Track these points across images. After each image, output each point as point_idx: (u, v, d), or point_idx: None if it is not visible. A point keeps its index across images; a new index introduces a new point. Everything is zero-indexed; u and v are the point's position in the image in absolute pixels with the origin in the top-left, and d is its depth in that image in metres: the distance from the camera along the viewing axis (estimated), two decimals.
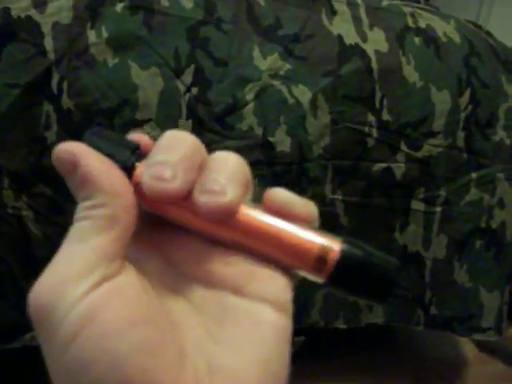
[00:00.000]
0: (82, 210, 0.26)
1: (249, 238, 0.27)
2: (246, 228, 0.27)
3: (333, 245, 0.27)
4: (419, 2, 1.26)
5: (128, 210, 0.26)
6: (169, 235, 0.29)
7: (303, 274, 0.28)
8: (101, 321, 0.23)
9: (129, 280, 0.25)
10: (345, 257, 0.27)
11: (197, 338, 0.25)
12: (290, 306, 0.27)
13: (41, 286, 0.24)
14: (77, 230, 0.25)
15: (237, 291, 0.26)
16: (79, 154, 0.27)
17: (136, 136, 0.29)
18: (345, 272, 0.27)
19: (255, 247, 0.27)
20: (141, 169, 0.27)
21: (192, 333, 0.25)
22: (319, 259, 0.27)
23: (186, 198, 0.26)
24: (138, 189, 0.26)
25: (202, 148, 0.28)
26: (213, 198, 0.25)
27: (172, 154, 0.26)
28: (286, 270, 0.28)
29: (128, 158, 0.27)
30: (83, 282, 0.23)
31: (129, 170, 0.27)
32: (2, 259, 0.85)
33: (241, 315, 0.26)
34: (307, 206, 0.29)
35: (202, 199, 0.25)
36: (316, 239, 0.27)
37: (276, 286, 0.27)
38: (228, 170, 0.27)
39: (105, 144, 0.28)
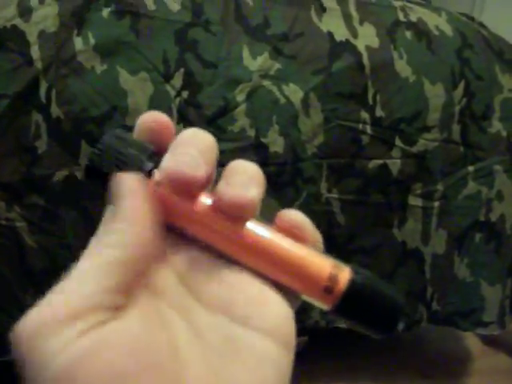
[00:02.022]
0: (105, 223, 0.25)
1: (259, 255, 0.27)
2: (257, 244, 0.27)
3: (341, 274, 0.27)
4: None
5: (141, 240, 0.25)
6: (181, 253, 0.28)
7: (308, 299, 0.27)
8: (84, 375, 0.20)
9: (126, 325, 0.23)
10: (353, 288, 0.26)
11: (197, 373, 0.25)
12: (292, 340, 0.26)
13: (25, 325, 0.22)
14: (89, 248, 0.24)
15: (241, 319, 0.26)
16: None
17: (155, 116, 0.29)
18: (351, 303, 0.27)
19: (265, 265, 0.27)
20: (158, 174, 0.26)
21: (193, 368, 0.25)
22: (327, 288, 0.26)
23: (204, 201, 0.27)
24: (156, 193, 0.26)
25: (216, 146, 0.29)
26: (237, 190, 0.26)
27: (193, 147, 0.27)
28: (292, 297, 0.27)
29: (146, 163, 0.27)
30: (70, 328, 0.21)
31: (147, 174, 0.27)
32: None
33: (243, 349, 0.25)
34: (316, 232, 0.29)
35: (226, 191, 0.26)
36: (326, 266, 0.27)
37: (281, 317, 0.26)
38: (249, 173, 0.27)
39: (123, 147, 0.27)
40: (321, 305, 0.27)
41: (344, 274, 0.26)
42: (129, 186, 0.25)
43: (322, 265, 0.27)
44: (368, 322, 0.27)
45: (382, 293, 0.27)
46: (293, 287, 0.27)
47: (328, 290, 0.26)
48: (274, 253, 0.27)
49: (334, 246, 0.97)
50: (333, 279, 0.26)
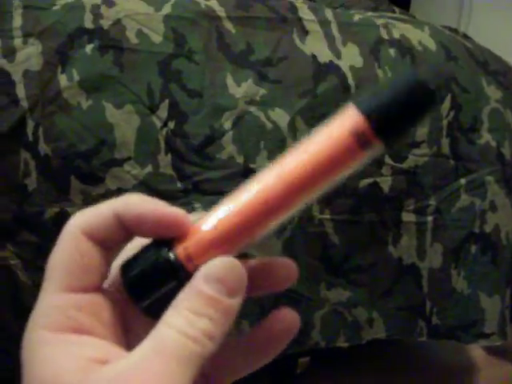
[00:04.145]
0: None
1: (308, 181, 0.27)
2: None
3: (356, 124, 0.26)
4: (394, 12, 1.26)
5: None
6: None
7: (362, 162, 0.27)
8: None
9: None
10: (373, 119, 0.26)
11: None
12: None
13: None
14: None
15: None
16: None
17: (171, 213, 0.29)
18: (387, 126, 0.26)
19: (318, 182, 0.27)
20: (181, 251, 0.27)
21: None
22: (361, 143, 0.26)
23: None
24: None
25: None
26: None
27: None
28: None
29: (168, 256, 0.27)
30: None
31: (176, 264, 0.27)
32: None
33: None
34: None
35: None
36: (341, 135, 0.27)
37: None
38: None
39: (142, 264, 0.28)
40: (377, 153, 0.27)
41: (358, 120, 0.26)
42: None
43: (339, 141, 0.27)
44: (415, 114, 0.27)
45: (395, 94, 0.26)
46: (344, 174, 0.27)
47: (364, 143, 0.26)
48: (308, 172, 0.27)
49: (329, 267, 0.97)
50: (357, 136, 0.26)
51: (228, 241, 0.27)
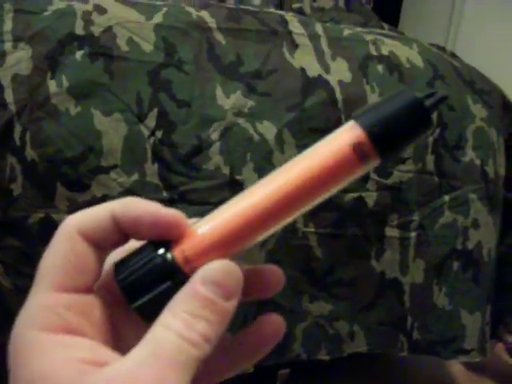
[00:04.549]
0: None
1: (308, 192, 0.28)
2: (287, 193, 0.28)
3: (356, 137, 0.27)
4: (383, 28, 1.27)
5: None
6: None
7: (358, 175, 0.28)
8: None
9: None
10: (374, 136, 0.27)
11: None
12: None
13: None
14: None
15: None
16: None
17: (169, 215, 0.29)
18: (386, 142, 0.28)
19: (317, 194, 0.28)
20: (178, 253, 0.27)
21: None
22: (360, 156, 0.27)
23: None
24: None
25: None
26: None
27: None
28: None
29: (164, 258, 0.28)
30: None
31: (173, 265, 0.27)
32: None
33: None
34: None
35: None
36: (341, 149, 0.28)
37: None
38: None
39: (137, 264, 0.28)
40: (372, 167, 0.28)
41: (358, 135, 0.27)
42: None
43: (339, 153, 0.28)
44: (412, 133, 0.28)
45: (394, 112, 0.28)
46: (340, 185, 0.28)
47: (362, 156, 0.27)
48: (305, 184, 0.28)
49: (312, 279, 0.98)
50: (356, 149, 0.27)
51: (225, 245, 0.28)
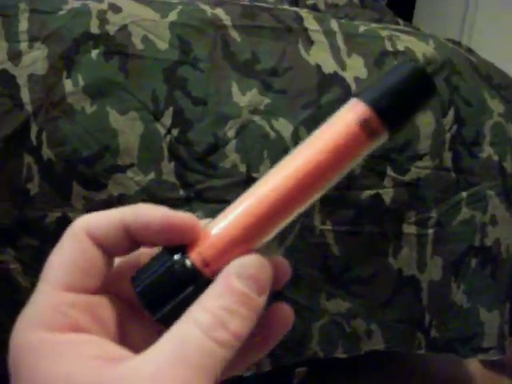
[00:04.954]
0: None
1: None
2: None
3: (362, 114, 0.27)
4: (398, 24, 1.26)
5: None
6: None
7: (368, 152, 0.28)
8: None
9: None
10: (380, 110, 0.27)
11: None
12: None
13: None
14: None
15: None
16: None
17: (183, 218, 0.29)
18: (393, 115, 0.27)
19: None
20: (196, 256, 0.27)
21: None
22: (369, 132, 0.27)
23: None
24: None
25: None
26: None
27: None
28: None
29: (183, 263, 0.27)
30: None
31: (193, 269, 0.27)
32: None
33: None
34: None
35: None
36: (348, 127, 0.27)
37: None
38: None
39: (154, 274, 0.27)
40: (381, 142, 0.28)
41: (364, 111, 0.27)
42: None
43: (347, 133, 0.27)
44: (417, 102, 0.28)
45: (397, 84, 0.28)
46: (351, 166, 0.28)
47: (370, 132, 0.27)
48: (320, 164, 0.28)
49: (329, 277, 0.97)
50: (364, 126, 0.27)
51: (243, 241, 0.27)
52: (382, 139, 0.27)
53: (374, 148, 0.28)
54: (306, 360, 1.02)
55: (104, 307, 0.28)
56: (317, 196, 0.28)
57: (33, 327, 0.26)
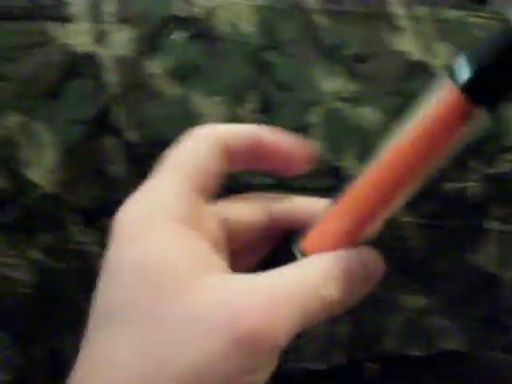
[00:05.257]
0: None
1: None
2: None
3: (450, 91, 0.25)
4: (477, 9, 1.22)
5: None
6: None
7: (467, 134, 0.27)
8: None
9: None
10: (469, 86, 0.25)
11: None
12: None
13: None
14: None
15: None
16: None
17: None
18: (488, 90, 0.26)
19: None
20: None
21: None
22: (461, 110, 0.25)
23: None
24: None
25: None
26: None
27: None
28: None
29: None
30: None
31: None
32: (67, 292, 0.85)
33: None
34: None
35: None
36: (439, 109, 0.26)
37: None
38: None
39: None
40: (479, 123, 0.27)
41: (453, 90, 0.25)
42: None
43: (441, 112, 0.26)
44: None
45: (497, 57, 0.25)
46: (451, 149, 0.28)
47: (465, 112, 0.25)
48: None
49: (406, 272, 0.95)
50: (456, 104, 0.25)
51: (353, 235, 0.28)
52: (481, 120, 0.25)
53: (473, 130, 0.26)
54: (379, 358, 1.00)
55: (213, 222, 0.28)
56: (419, 185, 0.28)
57: (156, 213, 0.26)
